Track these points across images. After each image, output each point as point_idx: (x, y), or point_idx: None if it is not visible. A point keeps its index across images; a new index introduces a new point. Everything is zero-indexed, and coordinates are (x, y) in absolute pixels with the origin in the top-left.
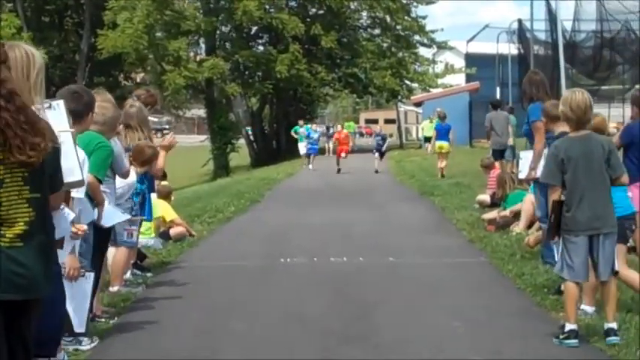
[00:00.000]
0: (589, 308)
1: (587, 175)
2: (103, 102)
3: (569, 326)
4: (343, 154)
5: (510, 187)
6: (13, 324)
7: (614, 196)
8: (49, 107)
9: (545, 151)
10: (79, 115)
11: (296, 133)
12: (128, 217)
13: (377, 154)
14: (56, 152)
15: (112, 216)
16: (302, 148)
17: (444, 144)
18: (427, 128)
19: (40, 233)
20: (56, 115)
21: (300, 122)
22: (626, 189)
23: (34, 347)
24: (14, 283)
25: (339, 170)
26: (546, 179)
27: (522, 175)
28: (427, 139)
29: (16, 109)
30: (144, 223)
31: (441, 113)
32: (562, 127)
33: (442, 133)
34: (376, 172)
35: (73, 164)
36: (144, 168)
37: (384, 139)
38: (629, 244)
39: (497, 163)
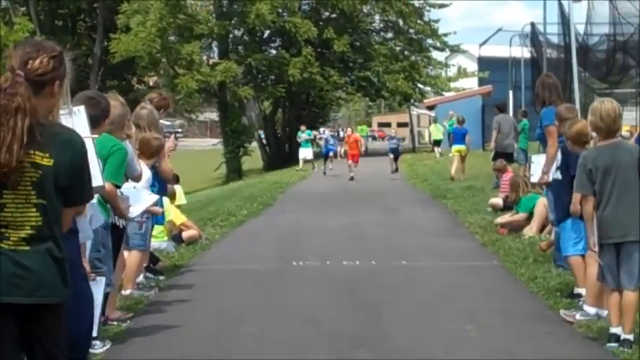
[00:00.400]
0: (603, 312)
1: (616, 183)
2: (110, 100)
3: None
4: (353, 163)
5: (524, 191)
6: (29, 330)
7: None
8: (70, 114)
9: (558, 155)
10: (96, 120)
11: (298, 138)
12: (156, 197)
13: (391, 156)
14: (74, 167)
15: (140, 200)
16: (302, 153)
17: (462, 147)
18: (435, 132)
19: (50, 238)
20: (78, 122)
21: (302, 127)
22: None
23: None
24: (16, 285)
25: (351, 178)
26: (579, 190)
27: (535, 179)
28: (436, 143)
29: (9, 125)
30: (156, 226)
31: (459, 117)
32: None
33: (458, 136)
34: (396, 170)
35: (95, 170)
36: (151, 160)
37: (398, 142)
38: None
39: (509, 167)
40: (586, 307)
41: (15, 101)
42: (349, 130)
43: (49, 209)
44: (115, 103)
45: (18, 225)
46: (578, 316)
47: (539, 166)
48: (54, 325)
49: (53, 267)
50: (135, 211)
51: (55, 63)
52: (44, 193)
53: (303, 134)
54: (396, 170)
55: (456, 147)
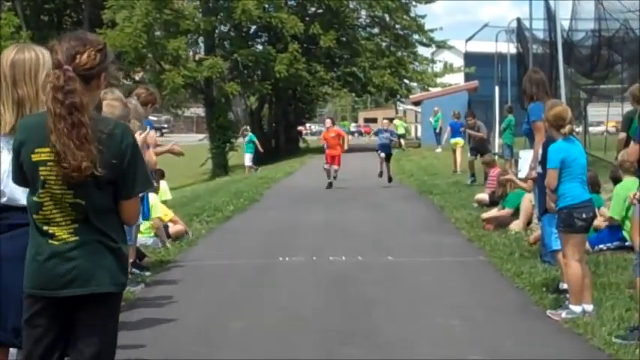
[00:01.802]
0: (588, 306)
1: None
2: (111, 100)
3: None
4: (335, 167)
5: (511, 186)
6: (77, 320)
7: (563, 187)
8: None
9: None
10: None
11: (251, 141)
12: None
13: (382, 155)
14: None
15: None
16: (247, 159)
17: (460, 140)
18: (399, 127)
19: (97, 231)
20: None
21: (247, 127)
22: (584, 179)
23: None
24: (67, 279)
25: (329, 185)
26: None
27: (522, 175)
28: (401, 136)
29: (72, 123)
30: (143, 222)
31: (456, 112)
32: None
33: (456, 130)
34: (387, 178)
35: None
36: None
37: (392, 135)
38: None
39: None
40: (571, 307)
41: (76, 97)
42: (328, 121)
43: (88, 208)
44: (116, 103)
45: (59, 222)
46: (564, 315)
47: (527, 162)
48: (105, 316)
49: (106, 257)
50: None
51: (102, 56)
52: (81, 192)
53: (247, 138)
54: (389, 179)
55: (453, 140)
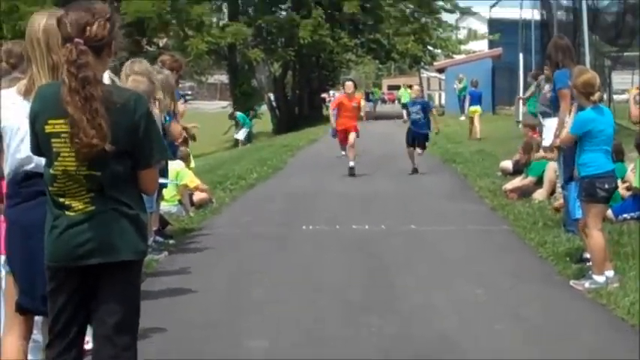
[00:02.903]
0: (610, 272)
1: None
2: (136, 75)
3: None
4: (351, 138)
5: (534, 155)
6: (98, 288)
7: (587, 156)
8: None
9: (567, 118)
10: None
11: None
12: (165, 181)
13: (417, 149)
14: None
15: None
16: (240, 134)
17: (478, 108)
18: (404, 96)
19: (113, 200)
20: None
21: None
22: (609, 150)
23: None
24: (80, 250)
25: (351, 171)
26: None
27: (546, 143)
28: (404, 106)
29: (84, 96)
30: (170, 188)
31: (473, 80)
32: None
33: (475, 98)
34: (415, 171)
35: None
36: None
37: (425, 108)
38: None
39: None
40: (594, 277)
41: (89, 71)
42: (349, 85)
43: (103, 179)
44: (141, 78)
45: (74, 193)
46: (587, 285)
47: (551, 131)
48: (126, 284)
49: (123, 225)
50: None
51: (111, 25)
52: (95, 163)
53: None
54: (414, 169)
55: (472, 108)
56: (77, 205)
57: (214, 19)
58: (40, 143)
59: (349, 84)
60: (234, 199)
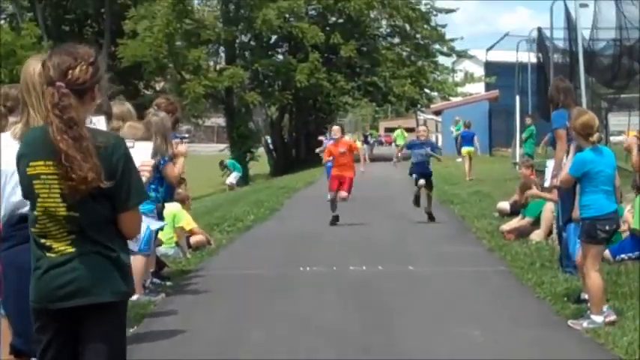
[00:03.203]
0: (598, 318)
1: None
2: (134, 123)
3: None
4: (343, 193)
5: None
6: (83, 332)
7: (588, 198)
8: (90, 123)
9: (565, 160)
10: None
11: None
12: (163, 224)
13: (420, 181)
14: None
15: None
16: (231, 178)
17: (471, 149)
18: (400, 138)
19: (94, 243)
20: None
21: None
22: (610, 190)
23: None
24: (60, 292)
25: (335, 219)
26: None
27: (547, 184)
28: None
29: (73, 136)
30: (166, 231)
31: (466, 122)
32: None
33: (467, 139)
34: (429, 217)
35: None
36: None
37: (434, 149)
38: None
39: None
40: (593, 316)
41: (72, 112)
42: (336, 129)
43: (82, 220)
44: (139, 126)
45: (55, 234)
46: (585, 325)
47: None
48: (110, 326)
49: (104, 267)
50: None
51: (94, 69)
52: (74, 205)
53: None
54: (429, 215)
55: (465, 149)
56: (58, 246)
57: (211, 63)
58: (22, 186)
59: (335, 128)
60: (231, 240)
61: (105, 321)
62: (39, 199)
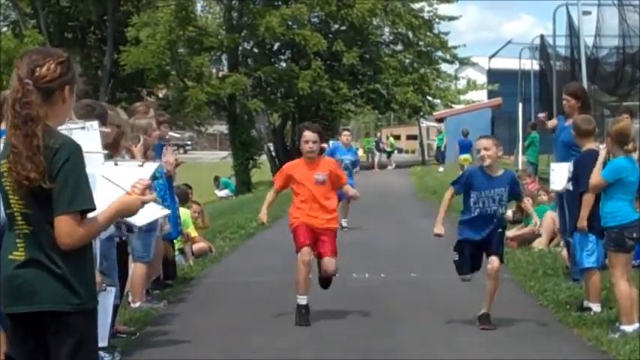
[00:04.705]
0: (629, 327)
1: None
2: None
3: None
4: (328, 264)
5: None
6: (49, 342)
7: (614, 205)
8: (83, 128)
9: (570, 166)
10: None
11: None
12: (167, 211)
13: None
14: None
15: (149, 210)
16: (222, 193)
17: (468, 156)
18: (366, 143)
19: (41, 247)
20: (88, 137)
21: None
22: (632, 199)
23: None
24: (16, 296)
25: (303, 318)
26: None
27: (556, 187)
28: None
29: (25, 133)
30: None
31: (464, 130)
32: (590, 144)
33: (465, 147)
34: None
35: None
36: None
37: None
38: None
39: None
40: (623, 327)
41: (32, 109)
42: (309, 133)
43: (32, 217)
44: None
45: (18, 234)
46: (616, 337)
47: (559, 175)
48: (71, 337)
49: (50, 275)
50: (140, 221)
51: (63, 69)
52: (28, 201)
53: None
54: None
55: (462, 156)
56: (16, 248)
57: (214, 70)
58: None
59: (307, 133)
60: (233, 248)
61: (65, 331)
62: (7, 196)
